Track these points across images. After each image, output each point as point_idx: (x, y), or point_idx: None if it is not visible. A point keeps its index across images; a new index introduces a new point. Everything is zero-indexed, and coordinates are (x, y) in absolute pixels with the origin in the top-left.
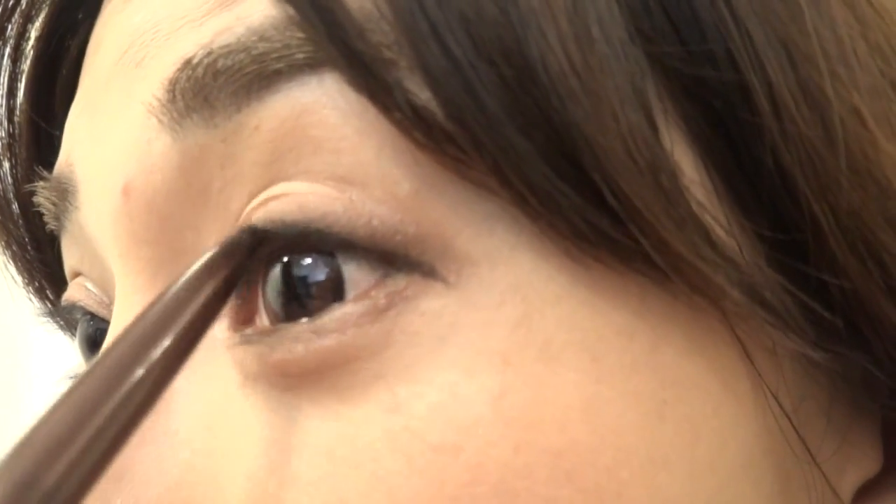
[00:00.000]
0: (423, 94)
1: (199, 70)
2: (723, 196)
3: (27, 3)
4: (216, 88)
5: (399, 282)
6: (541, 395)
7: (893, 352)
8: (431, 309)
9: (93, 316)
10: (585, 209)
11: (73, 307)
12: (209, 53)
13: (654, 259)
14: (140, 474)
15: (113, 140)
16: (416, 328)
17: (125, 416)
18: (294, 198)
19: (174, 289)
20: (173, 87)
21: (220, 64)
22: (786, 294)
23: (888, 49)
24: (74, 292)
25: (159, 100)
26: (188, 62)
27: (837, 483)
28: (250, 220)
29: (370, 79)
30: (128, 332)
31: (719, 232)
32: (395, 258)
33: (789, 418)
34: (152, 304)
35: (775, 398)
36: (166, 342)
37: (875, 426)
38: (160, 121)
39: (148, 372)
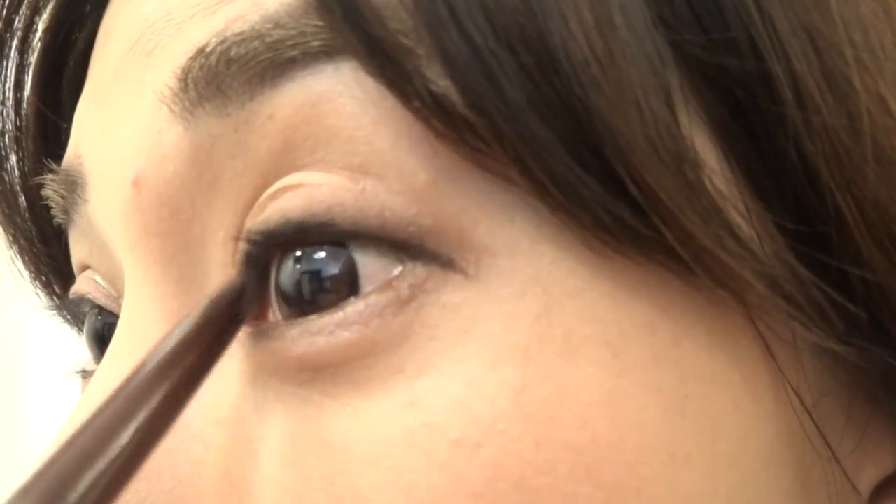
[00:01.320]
0: (442, 82)
1: (213, 58)
2: (744, 187)
3: None
4: (229, 77)
5: (419, 273)
6: (562, 389)
7: None
8: (452, 301)
9: (101, 310)
10: (608, 200)
11: (81, 300)
12: (222, 41)
13: (677, 251)
14: (152, 468)
15: (123, 131)
16: (436, 321)
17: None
18: (305, 190)
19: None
20: (185, 75)
21: (233, 52)
22: (809, 287)
23: None
24: (83, 285)
25: (171, 89)
26: (201, 50)
27: (857, 479)
28: (262, 216)
29: (388, 66)
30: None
31: (742, 224)
32: (411, 249)
33: (810, 414)
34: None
35: (796, 394)
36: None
37: (893, 423)
38: (172, 110)
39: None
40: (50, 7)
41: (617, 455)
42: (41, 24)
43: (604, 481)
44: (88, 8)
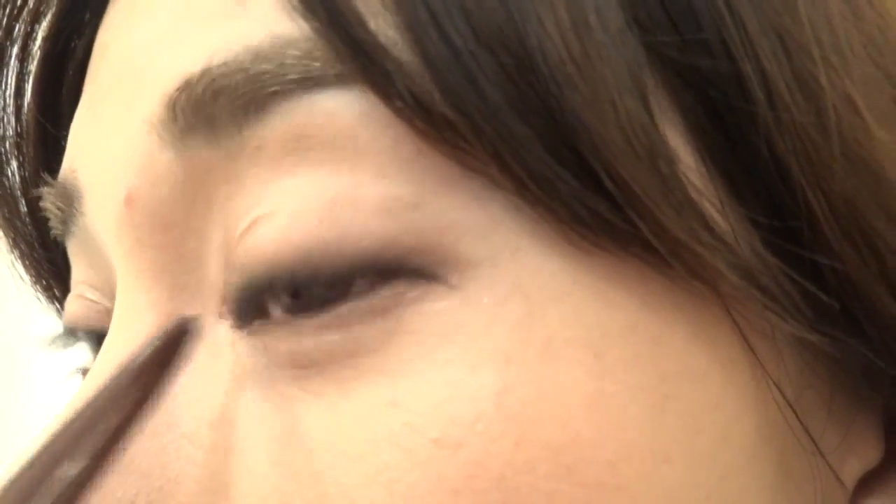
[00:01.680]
0: (423, 82)
1: (199, 89)
2: (719, 183)
3: (35, 3)
4: (217, 108)
5: (400, 286)
6: (543, 391)
7: (889, 339)
8: (434, 309)
9: (95, 334)
10: (584, 194)
11: (74, 329)
12: (207, 72)
13: (652, 243)
14: (142, 466)
15: (115, 150)
16: (419, 327)
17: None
18: (277, 223)
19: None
20: (174, 105)
21: (217, 84)
22: (782, 277)
23: (881, 40)
24: (74, 309)
25: (159, 117)
26: (188, 82)
27: (840, 473)
28: (238, 255)
29: (370, 66)
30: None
31: (716, 217)
32: (391, 269)
33: (792, 407)
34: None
35: (777, 388)
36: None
37: (876, 417)
38: (162, 137)
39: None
40: (49, 15)
41: (598, 454)
42: (41, 33)
43: (584, 480)
44: (87, 17)
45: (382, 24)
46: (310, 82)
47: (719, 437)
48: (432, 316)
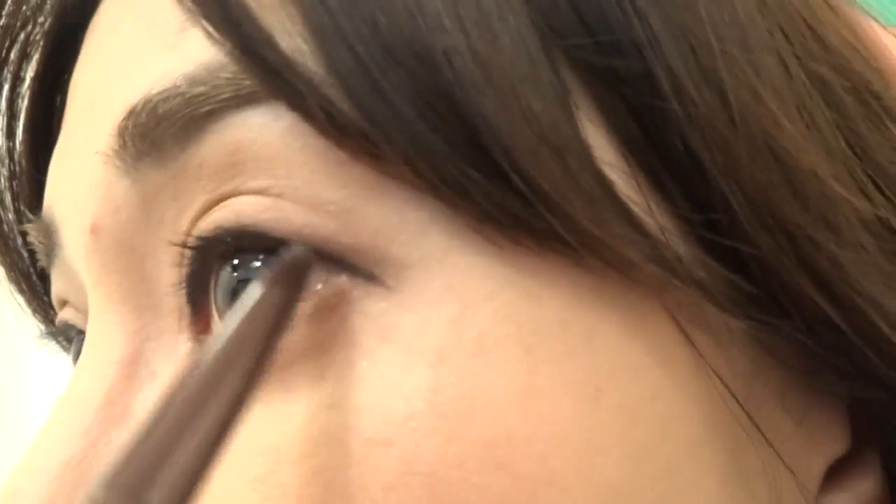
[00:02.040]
0: (335, 97)
1: (143, 116)
2: (641, 179)
3: (21, 45)
4: (160, 132)
5: (344, 283)
6: (474, 388)
7: (812, 322)
8: (372, 311)
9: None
10: (496, 194)
11: (66, 326)
12: (149, 101)
13: (566, 238)
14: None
15: (79, 183)
16: (358, 328)
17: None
18: (230, 206)
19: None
20: (122, 133)
21: (160, 109)
22: (707, 268)
23: (794, 29)
24: (66, 313)
25: (112, 148)
26: (132, 111)
27: (798, 464)
28: (196, 230)
29: (284, 86)
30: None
31: (635, 210)
32: (337, 261)
33: (736, 398)
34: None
35: (720, 379)
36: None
37: (838, 407)
38: (116, 166)
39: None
40: (36, 57)
41: (529, 448)
42: (29, 73)
43: (516, 473)
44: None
45: (293, 42)
46: (241, 100)
47: (658, 429)
48: (372, 317)
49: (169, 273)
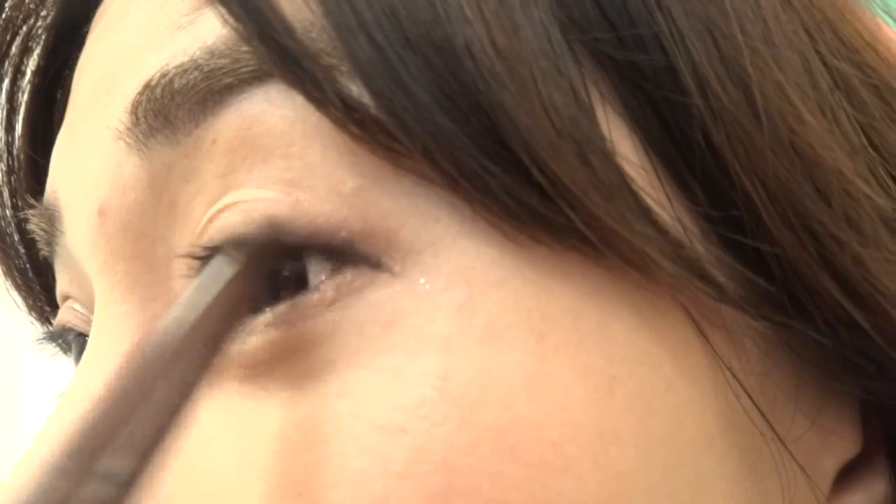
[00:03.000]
0: (353, 87)
1: (158, 91)
2: (662, 176)
3: (23, 39)
4: (174, 107)
5: (347, 275)
6: (484, 374)
7: (833, 322)
8: (378, 298)
9: (85, 337)
10: (515, 188)
11: (64, 329)
12: (165, 74)
13: (586, 234)
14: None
15: (87, 165)
16: (363, 316)
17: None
18: (239, 207)
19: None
20: (136, 109)
21: (176, 83)
22: (726, 266)
23: (816, 26)
24: (65, 315)
25: (124, 123)
26: (147, 85)
27: (810, 464)
28: (205, 237)
29: (302, 75)
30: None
31: (655, 208)
32: (343, 253)
33: (749, 395)
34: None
35: (733, 374)
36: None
37: (851, 408)
38: (127, 143)
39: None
40: (38, 50)
41: (541, 434)
42: (30, 67)
43: (528, 460)
44: (75, 48)
45: (313, 31)
46: (263, 74)
47: (672, 421)
48: (376, 305)
49: (179, 266)
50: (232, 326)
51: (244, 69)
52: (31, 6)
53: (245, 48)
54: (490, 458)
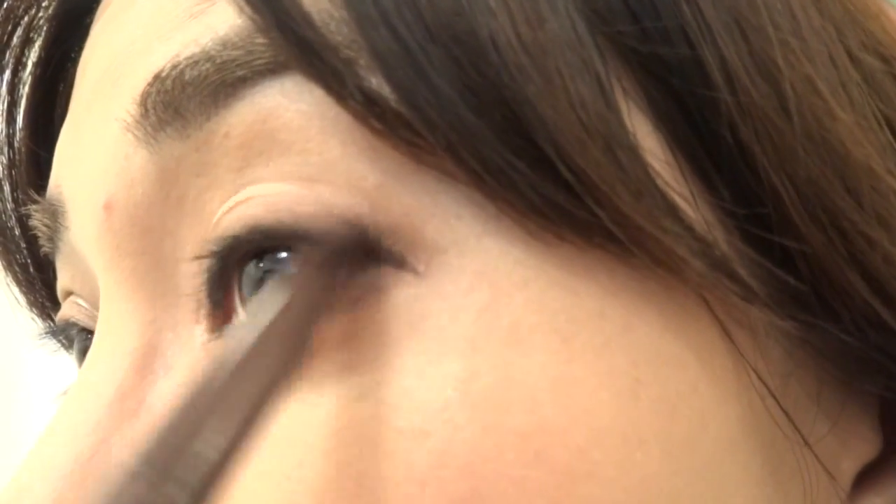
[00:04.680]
0: (374, 80)
1: (168, 83)
2: (687, 172)
3: (24, 31)
4: (185, 99)
5: (371, 273)
6: (508, 377)
7: (861, 322)
8: (401, 299)
9: (88, 332)
10: (541, 184)
11: (67, 324)
12: (176, 65)
13: (613, 232)
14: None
15: (94, 158)
16: (386, 317)
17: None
18: (261, 199)
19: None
20: (145, 101)
21: (187, 75)
22: (753, 264)
23: (843, 20)
24: (68, 310)
25: (133, 115)
26: (157, 76)
27: (831, 466)
28: (221, 226)
29: (322, 67)
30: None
31: (682, 205)
32: (367, 249)
33: (774, 396)
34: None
35: (758, 376)
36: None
37: (871, 409)
38: (136, 136)
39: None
40: (39, 42)
41: (567, 439)
42: (31, 59)
43: (554, 466)
44: (77, 39)
45: (332, 23)
46: (279, 66)
47: (697, 424)
48: (400, 305)
49: (188, 265)
50: (306, 334)
51: (258, 61)
52: None
53: (260, 40)
54: (515, 464)
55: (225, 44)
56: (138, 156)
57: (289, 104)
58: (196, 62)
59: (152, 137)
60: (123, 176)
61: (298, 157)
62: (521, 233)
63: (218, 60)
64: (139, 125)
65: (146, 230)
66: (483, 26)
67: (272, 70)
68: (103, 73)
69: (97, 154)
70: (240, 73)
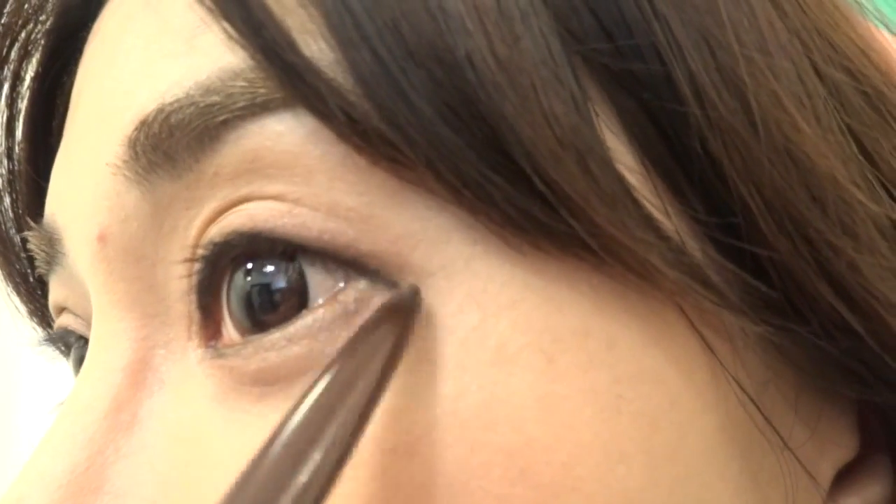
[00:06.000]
0: (357, 100)
1: (155, 126)
2: (659, 183)
3: (22, 44)
4: (173, 142)
5: (364, 288)
6: (495, 396)
7: (829, 326)
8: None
9: (85, 340)
10: (517, 197)
11: (65, 332)
12: (161, 110)
13: (588, 242)
14: (116, 487)
15: (86, 192)
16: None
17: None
18: (245, 211)
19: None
20: (133, 145)
21: (172, 120)
22: (725, 272)
23: (810, 35)
24: (65, 319)
25: (122, 158)
26: (144, 122)
27: (812, 468)
28: (209, 235)
29: (306, 89)
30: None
31: (655, 215)
32: (355, 266)
33: (754, 402)
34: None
35: (739, 385)
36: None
37: (849, 410)
38: (127, 177)
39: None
40: (37, 56)
41: (551, 456)
42: (29, 72)
43: (539, 482)
44: (74, 53)
45: (316, 46)
46: (257, 108)
47: (677, 437)
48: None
49: (179, 282)
50: (384, 384)
51: (237, 105)
52: (30, 11)
53: (238, 83)
54: (501, 481)
55: (206, 89)
56: (131, 195)
57: (272, 145)
58: (180, 107)
59: (144, 179)
60: (117, 211)
61: (286, 188)
62: (508, 252)
63: (201, 105)
64: (129, 167)
65: (139, 258)
66: (460, 46)
67: (252, 113)
68: (93, 108)
69: (88, 189)
70: (221, 117)
